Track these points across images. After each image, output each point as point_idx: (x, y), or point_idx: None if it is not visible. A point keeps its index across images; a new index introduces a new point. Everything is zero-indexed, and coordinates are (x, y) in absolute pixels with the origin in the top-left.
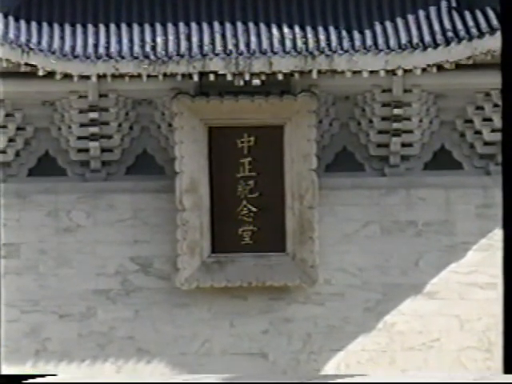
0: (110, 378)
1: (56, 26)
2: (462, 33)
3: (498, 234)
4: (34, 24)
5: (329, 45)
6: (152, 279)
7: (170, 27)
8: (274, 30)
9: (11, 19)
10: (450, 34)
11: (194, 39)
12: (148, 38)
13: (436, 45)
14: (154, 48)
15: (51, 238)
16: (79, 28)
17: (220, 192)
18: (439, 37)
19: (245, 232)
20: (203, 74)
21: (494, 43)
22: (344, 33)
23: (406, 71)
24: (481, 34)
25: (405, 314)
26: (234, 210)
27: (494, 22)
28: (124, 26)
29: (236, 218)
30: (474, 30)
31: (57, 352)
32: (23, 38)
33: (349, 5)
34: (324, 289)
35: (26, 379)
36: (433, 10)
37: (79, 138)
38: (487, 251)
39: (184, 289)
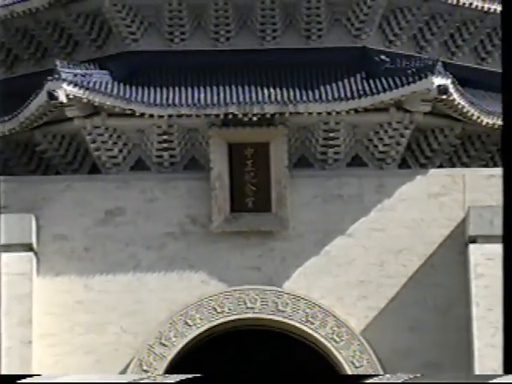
0: (110, 378)
1: (145, 88)
2: (368, 92)
3: (386, 202)
4: (133, 87)
5: (295, 98)
6: (197, 227)
7: (208, 89)
8: (265, 90)
9: (121, 84)
10: (361, 92)
11: (221, 95)
12: (196, 94)
13: (353, 98)
14: (198, 100)
15: (141, 205)
16: (158, 89)
17: (235, 179)
18: (356, 94)
19: (249, 200)
20: (226, 115)
21: (385, 97)
22: (303, 91)
23: (337, 113)
24: (377, 93)
25: (335, 245)
26: (242, 189)
27: (385, 85)
28: (183, 89)
29: (244, 193)
30: (374, 90)
31: (146, 267)
32: (127, 95)
33: (306, 75)
34: (292, 232)
35: (20, 379)
36: (352, 79)
37: (157, 149)
38: (381, 212)
39: (215, 232)
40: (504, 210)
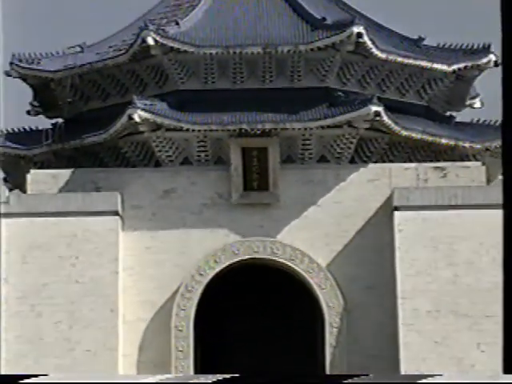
0: (111, 378)
1: (189, 113)
2: (330, 115)
3: (341, 184)
4: (181, 112)
5: (284, 119)
6: (222, 200)
7: (229, 113)
8: (265, 114)
9: (174, 110)
10: (326, 115)
11: (237, 117)
12: (221, 117)
13: (321, 119)
14: (223, 120)
15: (187, 186)
16: (197, 113)
17: (247, 170)
18: (322, 116)
19: (255, 183)
20: (240, 129)
21: (341, 119)
22: (289, 114)
23: (311, 128)
24: (336, 115)
25: (310, 212)
26: (251, 176)
27: (341, 111)
28: (213, 113)
29: (252, 178)
30: (334, 114)
31: (190, 226)
32: (178, 117)
33: (291, 104)
34: (282, 204)
35: (22, 379)
36: (320, 107)
37: (197, 151)
38: (338, 191)
39: (234, 204)
40: (504, 210)
